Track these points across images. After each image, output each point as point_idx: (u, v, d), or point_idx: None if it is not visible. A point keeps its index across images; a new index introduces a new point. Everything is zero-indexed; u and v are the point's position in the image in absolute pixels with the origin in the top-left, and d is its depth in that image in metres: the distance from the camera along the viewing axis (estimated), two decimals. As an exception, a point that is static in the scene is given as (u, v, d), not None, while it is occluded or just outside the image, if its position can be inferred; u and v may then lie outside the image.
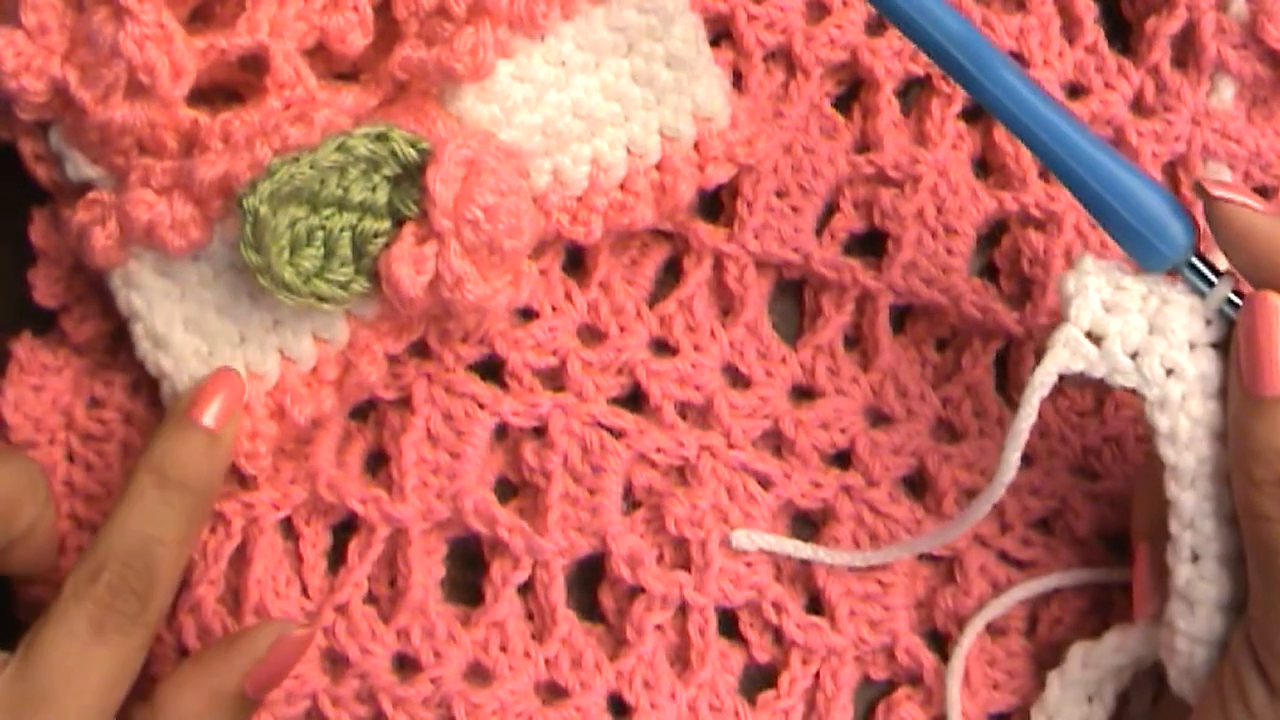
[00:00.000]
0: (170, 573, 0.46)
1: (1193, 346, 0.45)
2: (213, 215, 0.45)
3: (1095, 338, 0.45)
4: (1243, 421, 0.44)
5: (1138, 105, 0.53)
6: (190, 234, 0.45)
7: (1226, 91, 0.53)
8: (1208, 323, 0.45)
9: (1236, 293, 0.45)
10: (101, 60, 0.44)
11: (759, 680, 0.52)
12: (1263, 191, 0.54)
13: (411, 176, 0.45)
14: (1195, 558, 0.45)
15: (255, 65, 0.46)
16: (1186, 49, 0.53)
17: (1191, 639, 0.46)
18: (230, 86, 0.47)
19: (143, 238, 0.45)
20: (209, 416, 0.46)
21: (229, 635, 0.48)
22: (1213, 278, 0.45)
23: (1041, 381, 0.45)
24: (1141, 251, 0.45)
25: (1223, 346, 0.45)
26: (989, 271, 0.54)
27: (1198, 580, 0.45)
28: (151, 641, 0.46)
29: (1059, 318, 0.51)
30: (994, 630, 0.52)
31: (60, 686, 0.44)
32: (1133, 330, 0.45)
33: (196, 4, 0.46)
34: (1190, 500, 0.45)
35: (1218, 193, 0.45)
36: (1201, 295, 0.46)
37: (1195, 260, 0.45)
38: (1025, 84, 0.45)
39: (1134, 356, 0.45)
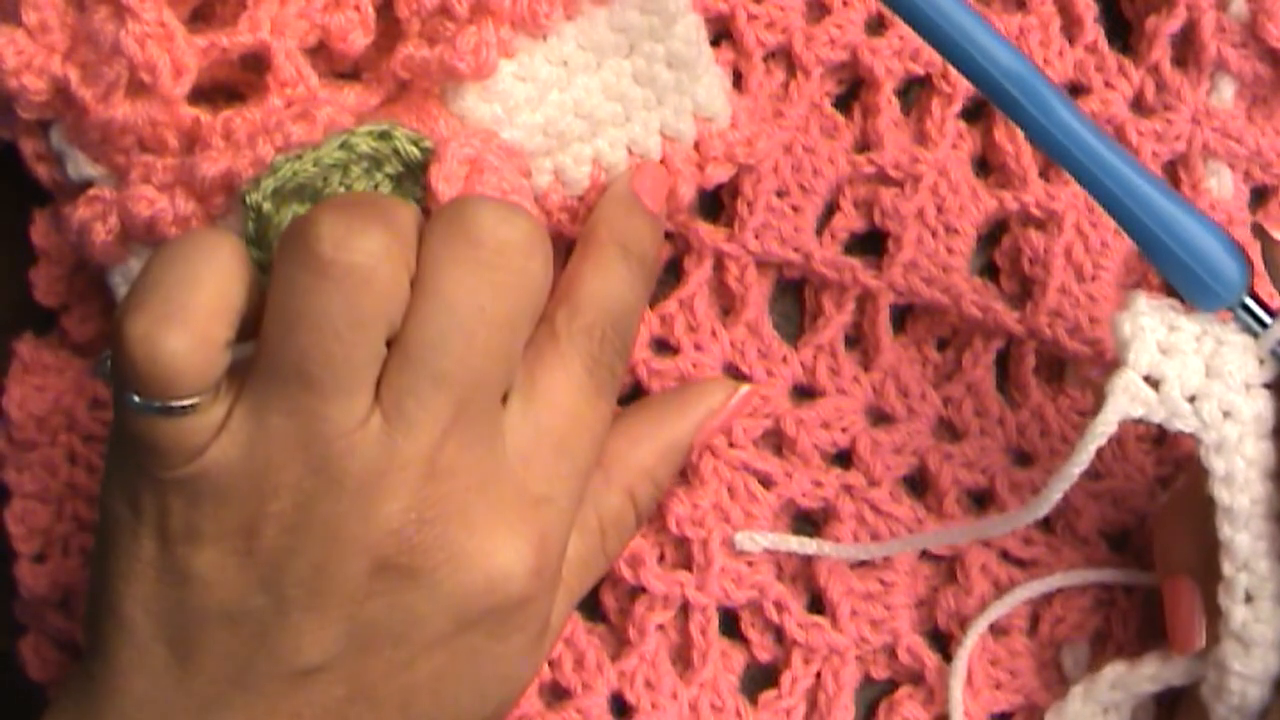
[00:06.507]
0: (632, 351, 0.45)
1: (1247, 388, 0.45)
2: (214, 212, 0.45)
3: (1152, 381, 0.44)
4: None
5: (1138, 104, 0.53)
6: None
7: (1226, 90, 0.53)
8: (1260, 363, 0.45)
9: None
10: (102, 58, 0.44)
11: (760, 679, 0.52)
12: (1263, 191, 0.54)
13: (414, 175, 0.45)
14: (1249, 598, 0.45)
15: (257, 64, 0.46)
16: (1186, 48, 0.53)
17: (1245, 679, 0.45)
18: (232, 85, 0.47)
19: (144, 234, 0.45)
20: (648, 200, 0.46)
21: (677, 389, 0.47)
22: (1266, 317, 0.45)
23: (1101, 431, 0.44)
24: (1195, 291, 0.45)
25: (1275, 387, 0.45)
26: (989, 271, 0.53)
27: (1253, 622, 0.45)
28: None
29: (1060, 317, 0.52)
30: (996, 629, 0.52)
31: (570, 433, 0.43)
32: (1190, 373, 0.44)
33: (198, 3, 0.46)
34: (1245, 541, 0.45)
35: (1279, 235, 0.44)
36: (1254, 335, 0.45)
37: (1248, 300, 0.45)
38: (1079, 120, 0.44)
39: (1192, 400, 0.44)
